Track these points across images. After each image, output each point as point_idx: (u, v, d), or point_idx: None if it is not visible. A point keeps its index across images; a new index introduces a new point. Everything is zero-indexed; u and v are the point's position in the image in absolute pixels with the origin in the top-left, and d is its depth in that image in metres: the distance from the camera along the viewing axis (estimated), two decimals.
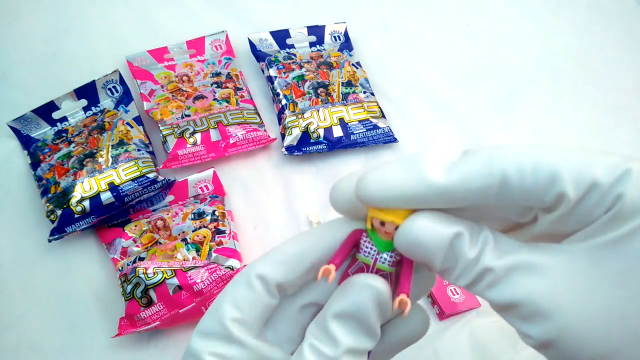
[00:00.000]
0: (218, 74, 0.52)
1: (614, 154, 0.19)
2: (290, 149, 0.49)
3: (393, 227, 0.20)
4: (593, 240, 0.19)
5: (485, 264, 0.19)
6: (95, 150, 0.45)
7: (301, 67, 0.53)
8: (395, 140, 0.51)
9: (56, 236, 0.42)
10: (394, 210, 0.20)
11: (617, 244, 0.18)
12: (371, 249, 0.22)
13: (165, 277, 0.39)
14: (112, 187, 0.43)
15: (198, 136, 0.48)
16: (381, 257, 0.21)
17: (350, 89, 0.52)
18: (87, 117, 0.49)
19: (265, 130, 0.50)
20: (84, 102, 0.49)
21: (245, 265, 0.40)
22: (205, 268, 0.39)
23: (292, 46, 0.56)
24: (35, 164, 0.46)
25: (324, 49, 0.56)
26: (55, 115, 0.48)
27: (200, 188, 0.46)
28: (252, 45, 0.55)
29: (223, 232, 0.43)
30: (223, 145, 0.48)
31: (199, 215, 0.43)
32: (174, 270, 0.39)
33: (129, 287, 0.39)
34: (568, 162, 0.18)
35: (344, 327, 0.21)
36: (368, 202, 0.20)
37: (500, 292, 0.19)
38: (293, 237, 0.23)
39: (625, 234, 0.18)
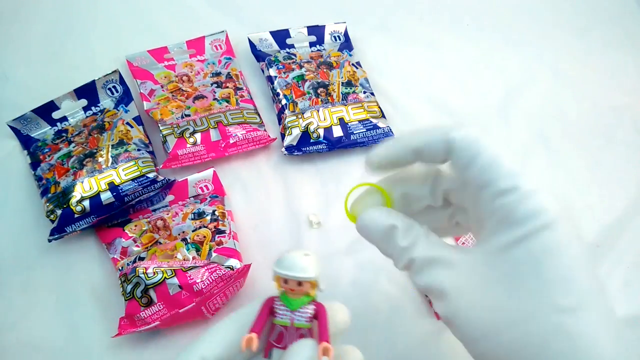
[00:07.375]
0: (218, 74, 0.52)
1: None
2: (290, 149, 0.49)
3: (295, 284, 0.24)
4: (488, 245, 0.25)
5: (412, 255, 0.26)
6: (95, 150, 0.45)
7: (301, 67, 0.53)
8: None
9: (56, 236, 0.42)
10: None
11: (504, 251, 0.24)
12: (285, 310, 0.24)
13: (165, 277, 0.39)
14: (112, 187, 0.43)
15: (198, 136, 0.48)
16: (296, 316, 0.24)
17: (350, 89, 0.52)
18: (87, 117, 0.49)
19: (265, 130, 0.50)
20: (84, 102, 0.49)
21: (245, 265, 0.40)
22: (206, 268, 0.39)
23: (292, 46, 0.56)
24: (35, 164, 0.46)
25: (324, 49, 0.56)
26: (55, 115, 0.48)
27: (200, 188, 0.46)
28: (252, 45, 0.55)
29: (223, 232, 0.43)
30: (223, 145, 0.48)
31: (199, 215, 0.43)
32: (174, 270, 0.39)
33: (129, 287, 0.39)
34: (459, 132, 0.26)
35: None
36: (371, 165, 0.28)
37: (420, 277, 0.26)
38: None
39: (511, 242, 0.23)
